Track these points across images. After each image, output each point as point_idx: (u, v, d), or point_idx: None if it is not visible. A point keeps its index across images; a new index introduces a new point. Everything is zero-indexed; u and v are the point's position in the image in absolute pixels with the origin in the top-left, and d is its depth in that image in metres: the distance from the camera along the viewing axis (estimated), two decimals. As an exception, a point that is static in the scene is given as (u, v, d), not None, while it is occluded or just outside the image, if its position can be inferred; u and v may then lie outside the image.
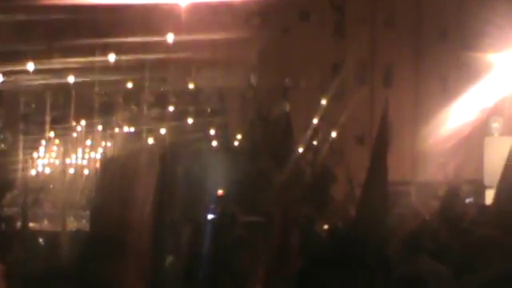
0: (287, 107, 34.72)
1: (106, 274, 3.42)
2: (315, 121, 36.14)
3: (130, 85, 33.41)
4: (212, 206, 12.71)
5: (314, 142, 35.61)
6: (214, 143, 32.03)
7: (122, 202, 3.40)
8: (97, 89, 33.95)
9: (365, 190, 5.12)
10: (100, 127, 33.52)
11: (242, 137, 33.28)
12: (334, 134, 38.17)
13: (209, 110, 33.68)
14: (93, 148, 33.69)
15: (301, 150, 34.17)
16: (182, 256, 7.52)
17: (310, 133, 35.15)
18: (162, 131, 32.16)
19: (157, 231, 4.01)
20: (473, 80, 22.12)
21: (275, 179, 30.68)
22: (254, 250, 5.72)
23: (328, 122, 36.92)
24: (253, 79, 34.58)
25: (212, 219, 9.66)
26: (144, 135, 32.25)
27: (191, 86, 34.29)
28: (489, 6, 32.24)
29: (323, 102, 36.73)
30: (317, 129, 35.87)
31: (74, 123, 34.96)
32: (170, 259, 7.02)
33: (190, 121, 33.00)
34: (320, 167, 29.99)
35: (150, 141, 31.74)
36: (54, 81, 32.00)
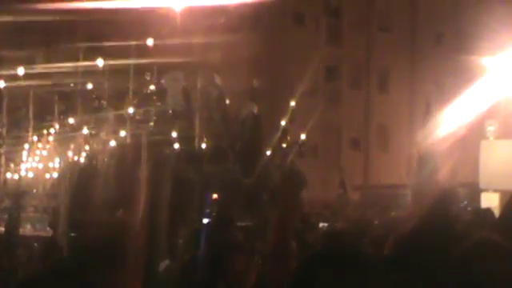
0: (255, 109, 34.39)
1: (98, 280, 3.38)
2: (283, 123, 35.49)
3: (89, 86, 33.27)
4: (207, 210, 12.70)
5: (284, 145, 35.20)
6: (177, 146, 31.64)
7: (83, 205, 3.36)
8: (85, 91, 33.89)
9: None
10: (85, 130, 33.27)
11: (207, 138, 32.97)
12: (303, 136, 37.38)
13: (170, 111, 33.37)
14: (76, 152, 33.47)
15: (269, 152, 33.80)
16: (177, 260, 7.51)
17: (279, 135, 34.66)
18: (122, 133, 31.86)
19: (152, 235, 3.99)
20: (468, 83, 22.13)
21: (241, 181, 30.62)
22: (247, 254, 5.70)
23: (298, 123, 36.39)
24: (218, 80, 34.33)
25: (207, 223, 9.65)
26: (108, 137, 32.06)
27: (152, 87, 34.10)
28: (484, 10, 32.28)
29: (292, 103, 36.01)
30: (286, 130, 35.36)
31: (57, 126, 34.79)
32: (166, 263, 7.00)
33: (152, 123, 32.83)
34: (289, 170, 29.63)
35: (113, 143, 31.54)
36: (40, 84, 32.03)
